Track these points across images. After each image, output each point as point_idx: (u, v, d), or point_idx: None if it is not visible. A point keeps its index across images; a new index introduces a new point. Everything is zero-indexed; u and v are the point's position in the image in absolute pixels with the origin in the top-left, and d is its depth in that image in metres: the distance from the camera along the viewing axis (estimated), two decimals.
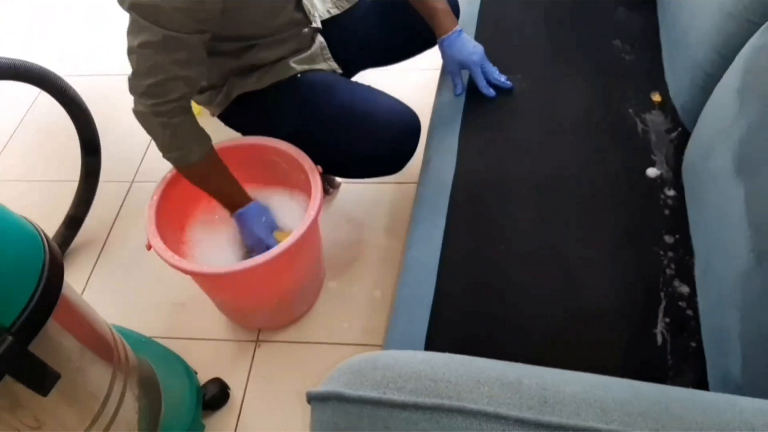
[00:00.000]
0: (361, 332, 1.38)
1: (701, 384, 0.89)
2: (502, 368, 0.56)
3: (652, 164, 1.15)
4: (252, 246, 1.25)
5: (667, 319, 0.96)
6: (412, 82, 1.87)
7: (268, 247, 1.17)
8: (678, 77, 1.22)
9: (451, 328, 1.00)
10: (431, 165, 1.26)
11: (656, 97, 1.26)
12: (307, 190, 1.23)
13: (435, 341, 0.98)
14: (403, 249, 1.17)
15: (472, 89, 1.35)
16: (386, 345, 1.03)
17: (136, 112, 1.13)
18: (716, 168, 0.94)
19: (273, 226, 1.26)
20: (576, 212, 1.10)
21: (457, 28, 1.32)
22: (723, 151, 0.93)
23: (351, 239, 1.58)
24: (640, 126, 1.22)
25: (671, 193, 1.11)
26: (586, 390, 0.53)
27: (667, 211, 1.08)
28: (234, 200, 1.25)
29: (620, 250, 1.04)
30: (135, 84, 1.09)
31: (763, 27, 0.93)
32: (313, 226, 1.17)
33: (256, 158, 1.30)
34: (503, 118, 1.29)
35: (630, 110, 1.24)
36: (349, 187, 1.69)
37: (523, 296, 1.01)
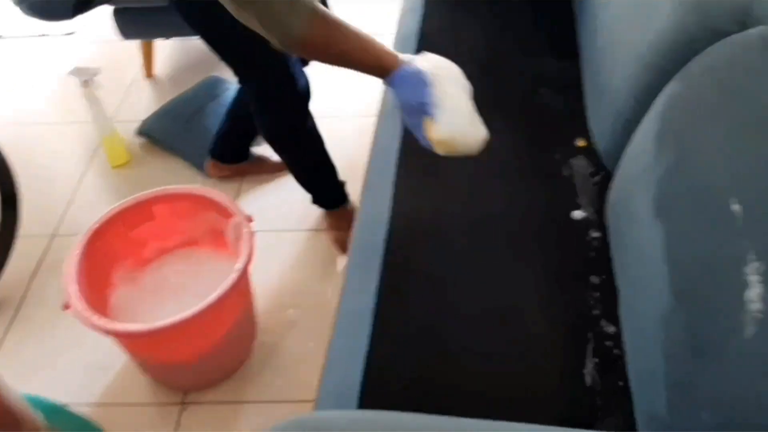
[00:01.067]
0: (295, 388, 1.33)
1: (630, 423, 0.89)
2: (427, 424, 0.53)
3: (578, 207, 1.18)
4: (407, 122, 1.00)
5: (596, 359, 0.97)
6: (348, 127, 1.87)
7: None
8: (600, 123, 1.27)
9: (387, 379, 0.97)
10: (365, 211, 1.26)
11: (581, 143, 1.31)
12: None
13: (370, 395, 0.95)
14: (338, 298, 1.14)
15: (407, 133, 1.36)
16: (319, 402, 0.99)
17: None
18: (636, 209, 0.97)
19: (423, 105, 0.95)
20: (506, 255, 1.11)
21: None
22: (642, 194, 0.96)
23: (285, 289, 1.55)
24: (565, 170, 1.25)
25: (596, 234, 1.13)
26: None
27: (592, 253, 1.11)
28: (376, 65, 0.93)
29: (549, 291, 1.06)
30: None
31: (677, 76, 0.98)
32: (241, 280, 1.13)
33: (188, 211, 1.26)
34: (437, 162, 1.29)
35: (556, 156, 1.28)
36: (284, 235, 1.66)
37: (456, 342, 1.00)
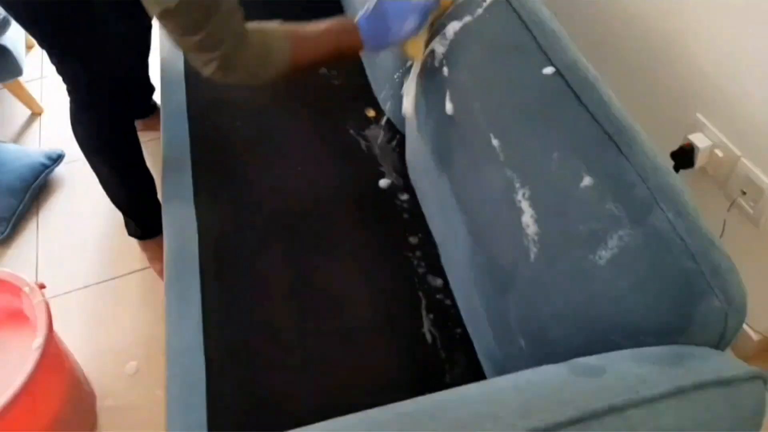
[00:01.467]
0: None
1: (476, 367, 0.93)
2: None
3: (382, 175, 1.20)
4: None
5: (431, 316, 0.99)
6: None
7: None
8: (381, 89, 1.30)
9: (232, 405, 0.92)
10: (171, 242, 1.17)
11: (370, 113, 1.32)
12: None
13: (218, 425, 0.89)
14: (165, 337, 1.06)
15: (197, 128, 1.29)
16: None
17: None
18: (425, 164, 1.01)
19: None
20: (324, 241, 1.10)
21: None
22: (425, 148, 1.00)
23: (119, 343, 1.41)
24: (362, 142, 1.26)
25: (405, 197, 1.16)
26: None
27: (406, 215, 1.13)
28: (345, 44, 0.95)
29: (374, 264, 1.06)
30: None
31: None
32: (46, 358, 1.00)
33: None
34: (233, 169, 1.24)
35: (350, 130, 1.28)
36: (103, 286, 1.52)
37: (293, 344, 0.97)
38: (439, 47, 0.92)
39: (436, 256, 1.06)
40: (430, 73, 0.96)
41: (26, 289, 1.06)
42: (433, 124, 0.95)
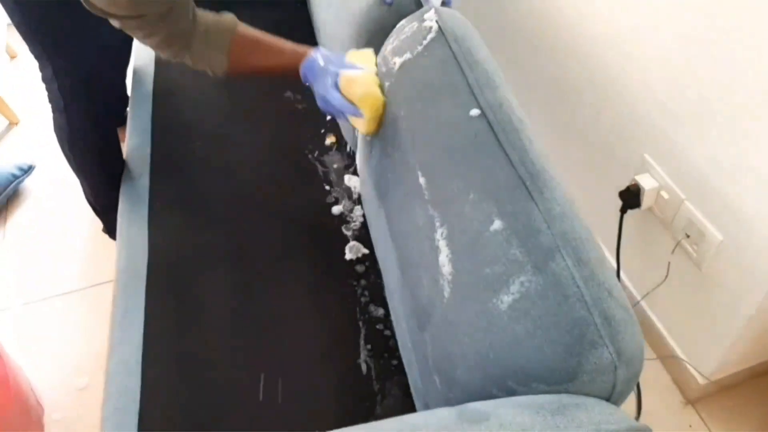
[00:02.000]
0: None
1: (408, 398, 0.92)
2: None
3: (336, 202, 1.21)
4: (324, 109, 0.98)
5: (369, 346, 0.99)
6: None
7: (336, 107, 0.93)
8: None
9: (161, 424, 0.92)
10: (122, 257, 1.17)
11: (331, 139, 1.33)
12: None
13: None
14: (107, 354, 1.06)
15: (159, 146, 1.30)
16: None
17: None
18: (369, 195, 1.02)
19: (336, 69, 0.93)
20: (271, 267, 1.10)
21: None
22: (369, 180, 1.01)
23: (71, 357, 1.41)
24: (320, 168, 1.27)
25: (356, 225, 1.16)
26: None
27: (354, 243, 1.14)
28: (289, 66, 0.98)
29: (318, 291, 1.06)
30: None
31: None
32: None
33: None
34: (189, 190, 1.25)
35: (309, 156, 1.29)
36: (58, 300, 1.52)
37: (228, 366, 0.97)
38: (386, 82, 0.94)
39: (381, 286, 1.07)
40: None
41: None
42: (376, 157, 0.96)
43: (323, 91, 0.93)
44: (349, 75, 0.91)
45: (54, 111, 1.33)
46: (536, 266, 0.61)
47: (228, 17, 0.95)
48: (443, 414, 0.56)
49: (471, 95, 0.77)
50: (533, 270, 0.61)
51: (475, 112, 0.75)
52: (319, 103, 0.97)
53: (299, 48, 0.99)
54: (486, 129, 0.73)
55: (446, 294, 0.70)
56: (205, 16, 0.93)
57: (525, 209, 0.65)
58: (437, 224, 0.73)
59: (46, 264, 1.61)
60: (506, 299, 0.61)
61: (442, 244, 0.72)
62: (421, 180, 0.78)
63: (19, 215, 1.74)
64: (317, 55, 0.95)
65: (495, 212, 0.66)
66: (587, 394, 0.57)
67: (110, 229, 1.51)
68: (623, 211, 1.17)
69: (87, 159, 1.40)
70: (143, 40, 0.91)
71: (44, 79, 1.29)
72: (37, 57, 1.26)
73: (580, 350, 0.56)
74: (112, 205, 1.41)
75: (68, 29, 1.20)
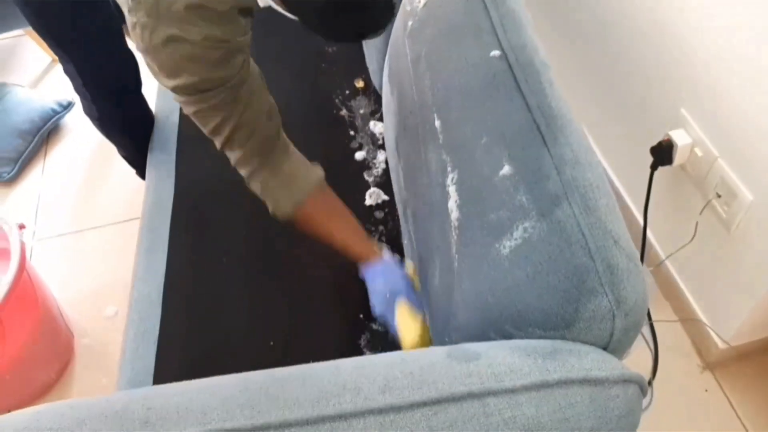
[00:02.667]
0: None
1: None
2: (116, 400, 0.53)
3: (360, 148, 1.20)
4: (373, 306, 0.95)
5: None
6: None
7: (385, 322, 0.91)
8: (372, 61, 1.29)
9: (178, 357, 0.96)
10: (150, 192, 1.21)
11: (359, 83, 1.32)
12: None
13: (162, 376, 0.94)
14: (131, 284, 1.11)
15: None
16: (118, 385, 0.98)
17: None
18: (390, 140, 1.01)
19: (396, 292, 0.91)
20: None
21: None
22: (391, 125, 1.00)
23: (101, 287, 1.48)
24: (346, 113, 1.26)
25: (378, 171, 1.16)
26: (192, 398, 0.51)
27: (374, 189, 1.14)
28: (353, 252, 0.94)
29: None
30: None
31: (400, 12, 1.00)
32: (15, 292, 1.06)
33: None
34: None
35: (336, 99, 1.29)
36: (90, 233, 1.58)
37: (244, 300, 1.00)
38: (410, 20, 0.91)
39: (399, 233, 1.07)
40: (396, 49, 0.96)
41: (5, 227, 1.11)
42: (397, 100, 0.95)
43: (377, 302, 0.91)
44: (406, 311, 0.88)
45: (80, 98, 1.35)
46: (541, 212, 0.60)
47: (318, 168, 0.93)
48: (433, 351, 0.56)
49: (494, 35, 0.75)
50: (538, 216, 0.60)
51: (496, 52, 0.73)
52: (372, 298, 0.92)
53: (368, 241, 0.95)
54: (505, 70, 0.71)
55: (452, 240, 0.70)
56: (294, 150, 0.92)
57: (536, 154, 0.63)
58: (449, 169, 0.72)
59: (81, 198, 1.67)
60: (508, 244, 0.61)
61: (451, 189, 0.71)
62: (437, 123, 0.77)
63: (58, 150, 1.80)
64: (382, 266, 0.91)
65: (506, 157, 0.65)
66: (583, 342, 0.56)
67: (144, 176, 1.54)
68: (654, 167, 1.13)
69: (116, 134, 1.42)
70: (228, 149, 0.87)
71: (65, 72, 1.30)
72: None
73: (578, 297, 0.55)
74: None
75: (65, 30, 1.19)
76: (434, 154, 0.77)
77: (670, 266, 1.28)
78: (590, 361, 0.53)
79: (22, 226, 1.13)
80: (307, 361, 0.57)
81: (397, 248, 1.05)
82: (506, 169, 0.64)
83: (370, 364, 0.55)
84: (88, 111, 1.35)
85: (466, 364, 0.53)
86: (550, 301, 0.56)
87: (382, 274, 0.91)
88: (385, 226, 1.09)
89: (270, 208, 0.91)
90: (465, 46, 0.78)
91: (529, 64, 0.71)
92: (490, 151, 0.67)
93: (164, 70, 0.76)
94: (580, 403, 0.51)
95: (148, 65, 0.77)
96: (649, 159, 1.14)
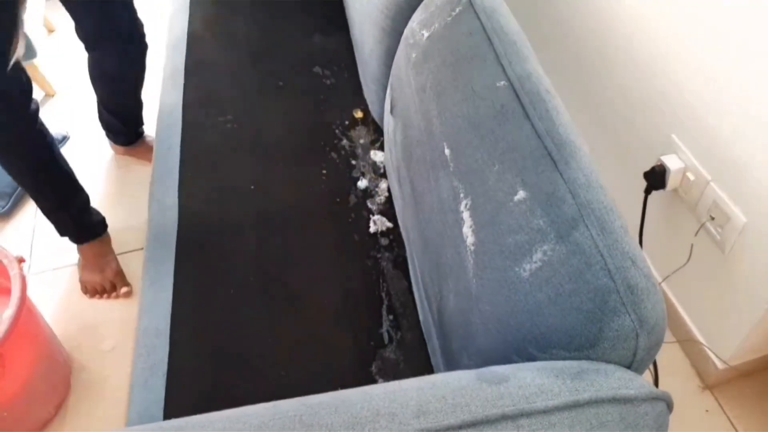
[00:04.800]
0: (120, 419, 1.27)
1: (429, 371, 0.94)
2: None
3: (362, 176, 1.22)
4: None
5: (391, 317, 1.01)
6: None
7: None
8: (369, 91, 1.32)
9: (188, 389, 0.95)
10: (153, 224, 1.21)
11: (358, 114, 1.35)
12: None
13: (173, 409, 0.93)
14: (137, 316, 1.10)
15: (189, 119, 1.32)
16: (128, 423, 0.96)
17: None
18: (394, 167, 1.03)
19: None
20: (296, 237, 1.12)
21: None
22: (394, 153, 1.02)
23: (98, 321, 1.46)
24: (346, 142, 1.28)
25: (381, 199, 1.18)
26: (225, 427, 0.51)
27: (378, 216, 1.15)
28: None
29: (342, 263, 1.08)
30: None
31: (402, 38, 1.03)
32: (16, 328, 1.05)
33: None
34: (219, 161, 1.28)
35: (336, 130, 1.31)
36: (74, 271, 1.57)
37: (253, 331, 1.00)
38: (413, 53, 0.94)
39: (404, 259, 1.08)
40: (400, 80, 0.98)
41: (5, 261, 1.10)
42: (402, 129, 0.97)
43: None
44: None
45: None
46: (559, 235, 0.61)
47: None
48: (461, 375, 0.57)
49: (499, 66, 0.78)
50: (556, 239, 0.62)
51: (502, 82, 0.76)
52: None
53: None
54: (513, 99, 0.74)
55: (468, 265, 0.71)
56: None
57: (550, 179, 0.65)
58: (461, 195, 0.74)
59: None
60: (528, 267, 0.62)
61: (465, 215, 0.73)
62: (447, 151, 0.79)
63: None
64: None
65: (519, 182, 0.67)
66: (607, 362, 0.57)
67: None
68: (647, 192, 1.17)
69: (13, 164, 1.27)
70: None
71: None
72: None
73: (602, 317, 0.56)
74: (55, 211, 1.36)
75: None
76: (445, 181, 0.78)
77: (667, 288, 1.30)
78: (617, 379, 0.54)
79: (21, 260, 1.12)
80: (319, 391, 0.57)
81: (404, 273, 1.06)
82: (521, 194, 0.66)
83: (401, 389, 0.55)
84: None
85: (497, 387, 0.54)
86: (573, 322, 0.58)
87: None
88: (390, 252, 1.10)
89: None
90: (471, 76, 0.80)
91: (535, 93, 0.74)
92: (502, 177, 0.69)
93: None
94: (611, 422, 0.52)
95: None
96: (643, 183, 1.17)
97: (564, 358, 0.58)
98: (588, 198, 0.63)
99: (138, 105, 1.75)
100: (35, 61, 1.96)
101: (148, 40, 1.61)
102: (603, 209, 0.62)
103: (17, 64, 1.13)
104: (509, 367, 0.58)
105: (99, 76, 1.62)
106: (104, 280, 1.47)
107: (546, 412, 0.51)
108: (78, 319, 1.46)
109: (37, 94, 2.05)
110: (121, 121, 1.75)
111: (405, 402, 0.52)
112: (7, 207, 1.69)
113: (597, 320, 0.57)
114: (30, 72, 1.98)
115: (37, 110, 1.27)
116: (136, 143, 1.82)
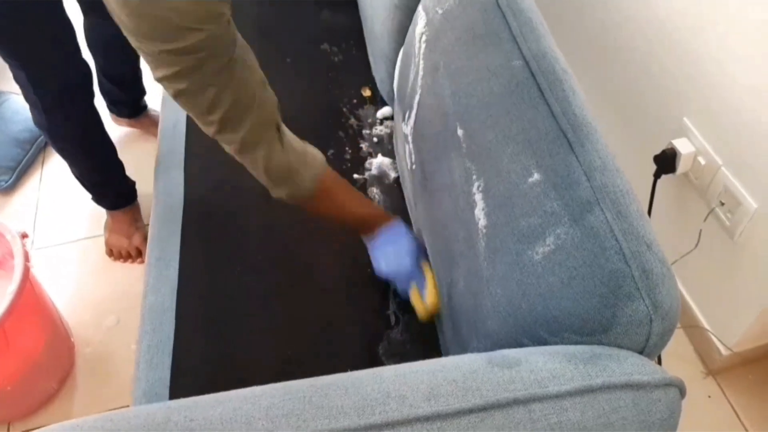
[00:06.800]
0: (125, 393, 1.27)
1: (437, 354, 0.94)
2: (155, 411, 0.52)
3: (370, 155, 1.21)
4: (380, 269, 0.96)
5: (398, 299, 1.00)
6: None
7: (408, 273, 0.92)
8: (378, 69, 1.30)
9: (194, 367, 0.95)
10: (159, 200, 1.20)
11: (366, 92, 1.33)
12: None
13: (179, 387, 0.93)
14: (143, 294, 1.09)
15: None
16: (134, 401, 0.96)
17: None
18: (405, 150, 1.01)
19: (415, 254, 0.94)
20: (302, 215, 1.10)
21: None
22: (406, 135, 1.00)
23: (101, 297, 1.46)
24: (353, 121, 1.27)
25: (389, 180, 1.17)
26: (234, 408, 0.51)
27: (385, 197, 1.14)
28: (371, 219, 0.96)
29: (349, 243, 1.07)
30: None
31: (416, 14, 1.01)
32: (19, 302, 1.05)
33: None
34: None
35: (344, 108, 1.29)
36: (90, 241, 1.56)
37: (260, 309, 0.99)
38: (428, 30, 0.92)
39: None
40: (411, 58, 0.96)
41: (8, 236, 1.10)
42: (414, 110, 0.95)
43: (387, 263, 0.92)
44: (431, 274, 0.91)
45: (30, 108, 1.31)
46: (573, 218, 0.60)
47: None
48: (472, 358, 0.57)
49: (514, 44, 0.76)
50: (570, 222, 0.61)
51: (517, 62, 0.74)
52: (381, 260, 0.94)
53: (379, 208, 0.99)
54: (528, 78, 0.72)
55: (480, 247, 0.70)
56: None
57: (564, 161, 0.64)
58: (474, 177, 0.73)
59: (80, 206, 1.64)
60: (541, 250, 0.61)
61: (477, 197, 0.72)
62: (459, 132, 0.77)
63: (55, 159, 1.77)
64: (396, 230, 0.94)
65: (533, 164, 0.66)
66: (619, 346, 0.57)
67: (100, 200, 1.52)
68: (657, 175, 1.16)
69: (68, 146, 1.37)
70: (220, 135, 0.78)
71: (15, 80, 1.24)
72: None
73: (616, 302, 0.56)
74: (100, 182, 1.45)
75: (18, 35, 1.13)
76: (457, 162, 0.77)
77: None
78: (630, 365, 0.54)
79: (24, 235, 1.11)
80: (326, 372, 0.56)
81: None
82: (535, 176, 0.65)
83: (411, 371, 0.55)
84: (38, 121, 1.31)
85: (508, 371, 0.53)
86: (586, 306, 0.57)
87: (401, 236, 0.92)
88: None
89: (286, 190, 0.86)
90: (485, 54, 0.79)
91: (551, 72, 0.72)
92: (517, 158, 0.68)
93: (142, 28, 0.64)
94: (623, 407, 0.51)
95: (131, 32, 0.65)
96: (653, 167, 1.16)
97: (576, 343, 0.58)
98: (603, 181, 0.62)
99: (137, 72, 1.70)
100: None
101: None
102: (619, 192, 0.61)
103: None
104: (520, 350, 0.57)
105: (96, 40, 1.58)
106: (130, 246, 1.52)
107: (558, 396, 0.51)
108: (81, 294, 1.46)
109: None
110: (123, 90, 1.72)
111: (415, 385, 0.52)
112: (10, 181, 1.68)
113: (610, 305, 0.56)
114: None
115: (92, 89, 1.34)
116: (139, 116, 1.79)
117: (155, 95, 1.72)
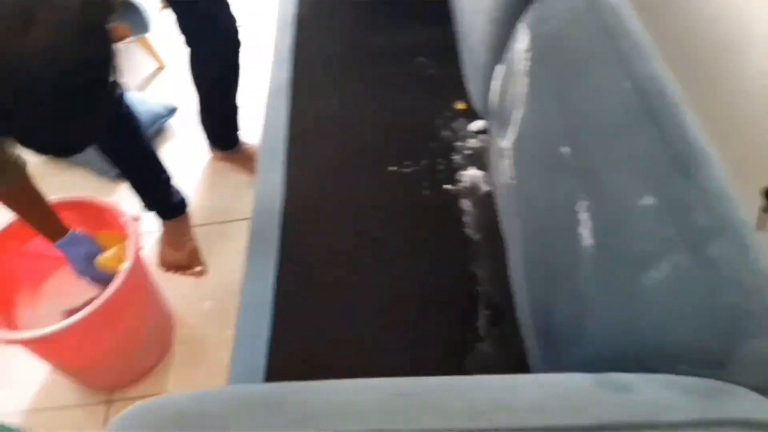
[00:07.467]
0: (217, 375, 1.36)
1: (521, 365, 0.94)
2: (273, 391, 0.56)
3: (463, 167, 1.22)
4: (82, 277, 1.25)
5: (487, 312, 1.01)
6: None
7: (93, 278, 1.22)
8: (473, 83, 1.31)
9: (290, 355, 1.00)
10: (259, 198, 1.26)
11: (460, 105, 1.34)
12: None
13: (275, 371, 0.97)
14: (241, 286, 1.16)
15: (297, 106, 1.36)
16: (230, 381, 1.02)
17: None
18: (501, 165, 1.02)
19: (93, 253, 1.23)
20: (395, 225, 1.14)
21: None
22: (502, 150, 1.01)
23: (199, 283, 1.55)
24: (447, 133, 1.29)
25: (482, 192, 1.18)
26: (350, 398, 0.54)
27: (479, 209, 1.15)
28: (49, 232, 1.21)
29: (440, 253, 1.09)
30: None
31: (516, 30, 1.01)
32: (131, 280, 1.15)
33: (80, 219, 1.27)
34: (325, 145, 1.32)
35: (437, 121, 1.31)
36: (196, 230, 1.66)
37: (354, 309, 1.03)
38: (527, 48, 0.93)
39: (503, 255, 1.08)
40: (512, 74, 0.97)
41: (123, 219, 1.20)
42: (515, 126, 0.96)
43: (78, 265, 1.22)
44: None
45: None
46: (691, 247, 0.59)
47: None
48: (578, 378, 0.57)
49: (622, 65, 0.75)
50: (687, 250, 0.60)
51: (627, 84, 0.73)
52: (75, 264, 1.23)
53: (59, 224, 1.20)
54: (637, 101, 0.71)
55: (584, 267, 0.70)
56: None
57: (680, 187, 0.63)
58: (579, 196, 0.73)
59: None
60: (654, 277, 0.61)
61: (583, 216, 0.72)
62: (564, 150, 0.78)
63: (163, 150, 1.90)
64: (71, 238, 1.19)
65: (645, 188, 0.65)
66: (737, 383, 0.55)
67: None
68: (765, 210, 1.10)
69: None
70: None
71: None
72: None
73: (736, 338, 0.54)
74: None
75: None
76: (561, 180, 0.77)
77: None
78: (748, 403, 0.53)
79: (137, 218, 1.21)
80: (419, 374, 0.58)
81: (502, 269, 1.05)
82: (648, 200, 0.64)
83: (516, 384, 0.56)
84: None
85: (618, 395, 0.53)
86: (703, 339, 0.56)
87: (75, 243, 1.19)
88: (488, 247, 1.09)
89: None
90: (593, 75, 0.78)
91: (662, 94, 0.71)
92: (627, 180, 0.67)
93: None
94: None
95: None
96: (760, 201, 1.11)
97: (688, 374, 0.57)
98: (722, 210, 0.61)
99: (233, 108, 1.73)
100: (149, 35, 2.08)
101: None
102: (738, 223, 0.60)
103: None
104: (632, 376, 0.57)
105: (197, 74, 1.63)
106: (181, 257, 1.50)
107: (672, 426, 0.50)
108: (177, 279, 1.55)
109: (149, 66, 2.19)
110: (218, 123, 1.76)
111: (522, 397, 0.53)
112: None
113: (729, 341, 0.55)
114: (142, 45, 2.12)
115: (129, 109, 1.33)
116: (233, 149, 1.83)
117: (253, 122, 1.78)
